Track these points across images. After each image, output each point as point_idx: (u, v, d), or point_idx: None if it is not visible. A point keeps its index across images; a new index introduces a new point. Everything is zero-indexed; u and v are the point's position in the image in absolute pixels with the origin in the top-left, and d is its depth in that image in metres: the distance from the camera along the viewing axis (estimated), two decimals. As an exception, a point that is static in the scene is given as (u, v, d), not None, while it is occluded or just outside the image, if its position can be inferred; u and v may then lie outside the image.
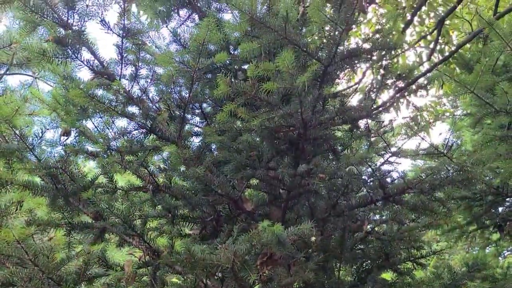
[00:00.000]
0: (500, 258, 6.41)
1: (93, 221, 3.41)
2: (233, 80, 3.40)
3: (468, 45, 6.27)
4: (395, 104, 6.03)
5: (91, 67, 3.50)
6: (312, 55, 2.81)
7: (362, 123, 4.27)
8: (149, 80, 3.79)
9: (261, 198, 3.69)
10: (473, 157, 4.66)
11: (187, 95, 3.30)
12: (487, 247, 6.23)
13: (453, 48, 6.58)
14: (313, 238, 2.98)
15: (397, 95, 4.62)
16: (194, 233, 3.81)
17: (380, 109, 4.17)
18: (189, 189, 3.51)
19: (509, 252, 6.47)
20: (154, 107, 3.79)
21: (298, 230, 2.60)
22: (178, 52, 3.84)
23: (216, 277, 3.06)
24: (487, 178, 5.14)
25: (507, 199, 5.18)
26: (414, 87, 4.39)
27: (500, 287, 4.04)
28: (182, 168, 3.51)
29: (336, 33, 2.65)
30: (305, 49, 2.78)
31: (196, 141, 4.13)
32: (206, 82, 3.87)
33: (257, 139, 3.29)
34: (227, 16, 4.99)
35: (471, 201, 5.35)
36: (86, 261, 2.84)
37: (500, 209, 5.48)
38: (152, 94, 3.88)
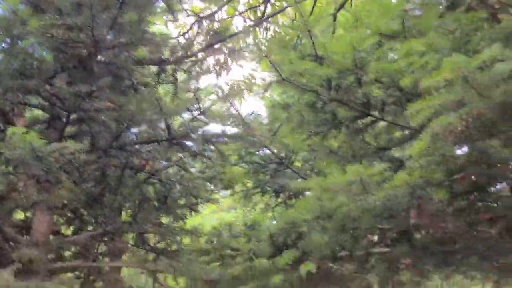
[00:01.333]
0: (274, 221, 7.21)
1: None
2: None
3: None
4: (217, 66, 6.29)
5: None
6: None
7: (169, 69, 4.29)
8: None
9: (37, 115, 3.37)
10: (269, 125, 5.23)
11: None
12: (267, 211, 6.95)
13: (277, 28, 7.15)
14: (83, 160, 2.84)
15: (215, 55, 4.85)
16: None
17: (188, 60, 4.24)
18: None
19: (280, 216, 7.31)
20: None
21: (63, 147, 2.45)
22: None
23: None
24: (275, 151, 5.73)
25: (287, 170, 5.85)
26: (231, 45, 4.67)
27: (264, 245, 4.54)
28: None
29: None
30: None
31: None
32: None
33: (43, 49, 2.98)
34: None
35: (259, 167, 5.90)
36: None
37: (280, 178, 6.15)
38: None
